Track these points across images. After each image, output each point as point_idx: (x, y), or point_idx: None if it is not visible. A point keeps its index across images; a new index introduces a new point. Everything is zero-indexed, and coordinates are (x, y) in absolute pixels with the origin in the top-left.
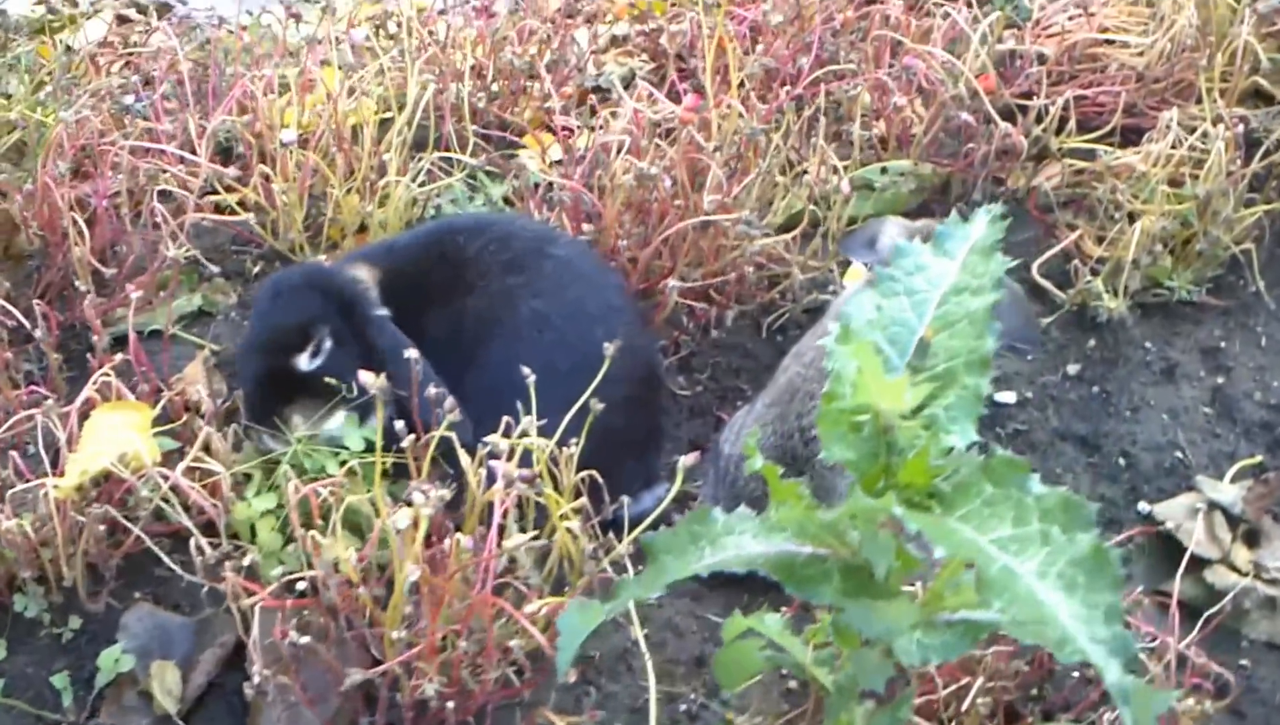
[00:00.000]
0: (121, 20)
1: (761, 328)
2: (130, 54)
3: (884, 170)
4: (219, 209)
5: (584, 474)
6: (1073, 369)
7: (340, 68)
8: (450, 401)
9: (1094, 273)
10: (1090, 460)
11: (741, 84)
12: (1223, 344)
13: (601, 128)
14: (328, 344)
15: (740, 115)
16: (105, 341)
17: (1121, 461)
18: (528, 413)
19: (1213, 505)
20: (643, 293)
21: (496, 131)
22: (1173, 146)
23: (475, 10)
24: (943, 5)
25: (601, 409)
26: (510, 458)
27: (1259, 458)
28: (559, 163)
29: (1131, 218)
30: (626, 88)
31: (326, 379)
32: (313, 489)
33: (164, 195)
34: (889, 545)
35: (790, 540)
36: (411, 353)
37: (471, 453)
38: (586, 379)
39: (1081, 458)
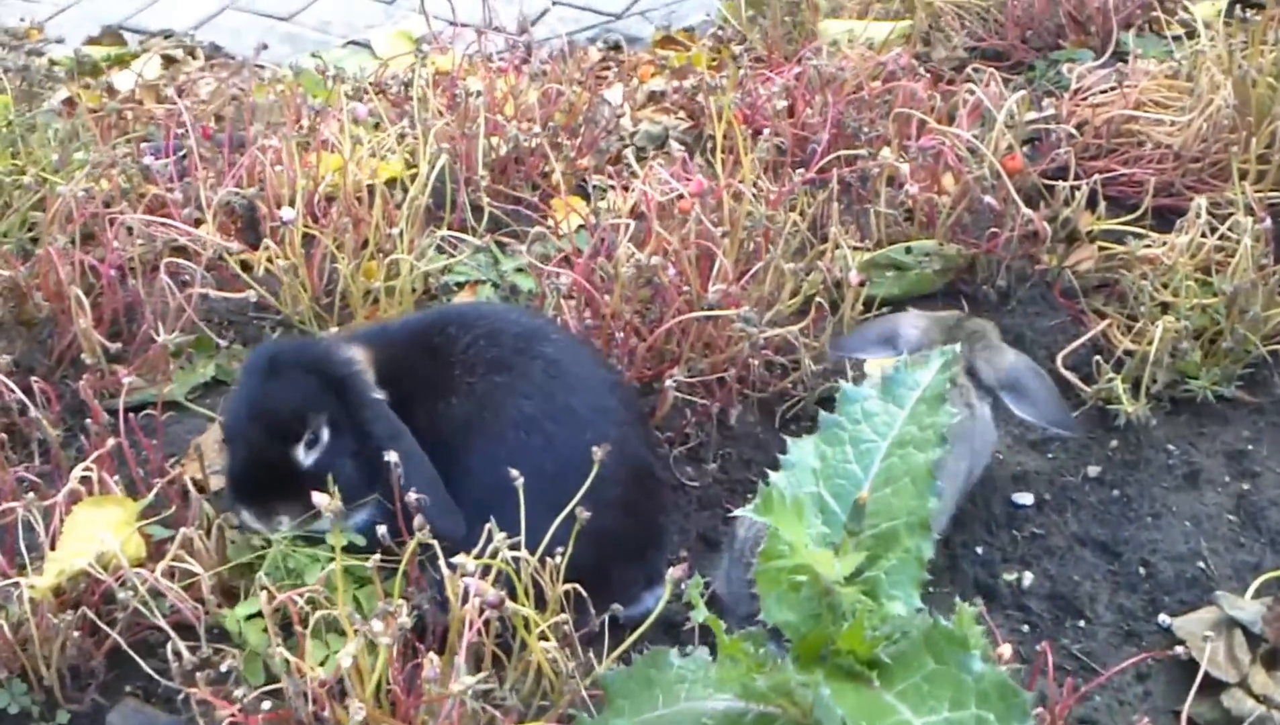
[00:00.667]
0: (168, 61)
1: (774, 417)
2: (162, 105)
3: (909, 250)
4: (245, 266)
5: (570, 586)
6: (1094, 470)
7: (353, 138)
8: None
9: (1117, 370)
10: (1110, 567)
11: (761, 163)
12: (1250, 447)
13: (610, 210)
14: (325, 433)
15: (750, 201)
16: (105, 420)
17: (1141, 570)
18: (514, 518)
19: (1233, 623)
20: (646, 381)
21: (518, 196)
22: (1203, 235)
23: (504, 66)
24: (969, 80)
25: (593, 512)
26: (488, 574)
27: None
28: (581, 227)
29: (1164, 307)
30: (661, 146)
31: (321, 470)
32: (290, 598)
33: (179, 253)
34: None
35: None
36: (407, 443)
37: (460, 550)
38: (576, 482)
39: (1101, 564)
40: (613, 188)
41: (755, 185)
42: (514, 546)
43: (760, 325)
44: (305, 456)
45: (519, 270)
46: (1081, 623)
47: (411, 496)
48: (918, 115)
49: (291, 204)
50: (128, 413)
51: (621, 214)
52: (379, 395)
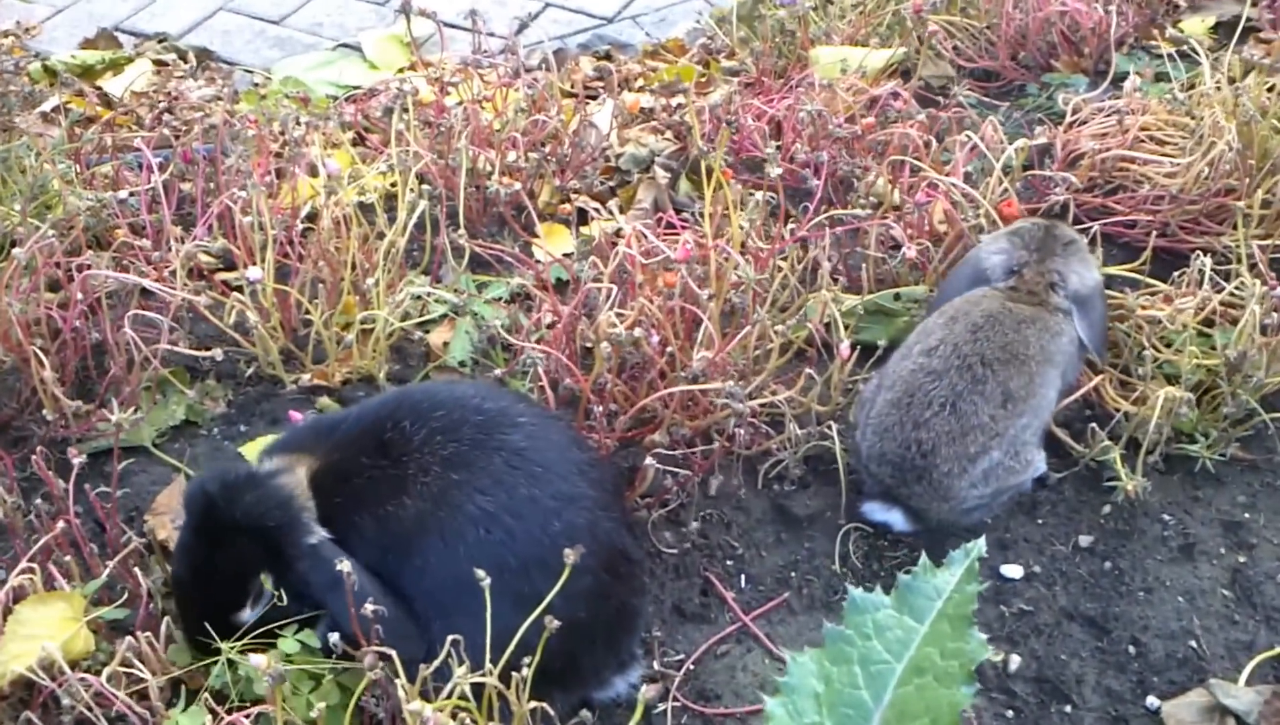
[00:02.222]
0: (159, 66)
1: (756, 477)
2: (153, 111)
3: (898, 296)
4: (229, 286)
5: (537, 705)
6: (1085, 540)
7: (326, 185)
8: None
9: (1114, 439)
10: (1098, 644)
11: (751, 223)
12: (1246, 515)
13: (597, 273)
14: (267, 590)
15: (738, 264)
16: (61, 489)
17: (1131, 649)
18: (474, 618)
19: (1226, 711)
20: (626, 441)
21: (501, 222)
22: (1203, 286)
23: (492, 84)
24: (959, 105)
25: (563, 603)
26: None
27: (1279, 650)
28: (567, 256)
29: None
30: (646, 170)
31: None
32: (238, 719)
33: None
34: None
35: None
36: (350, 584)
37: (416, 663)
38: (541, 575)
39: (1089, 642)
40: (596, 215)
41: (743, 245)
42: (475, 661)
43: (745, 399)
44: (250, 614)
45: (493, 300)
46: (1068, 708)
47: (368, 607)
48: (913, 161)
49: (263, 251)
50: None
51: (604, 273)
52: (315, 539)
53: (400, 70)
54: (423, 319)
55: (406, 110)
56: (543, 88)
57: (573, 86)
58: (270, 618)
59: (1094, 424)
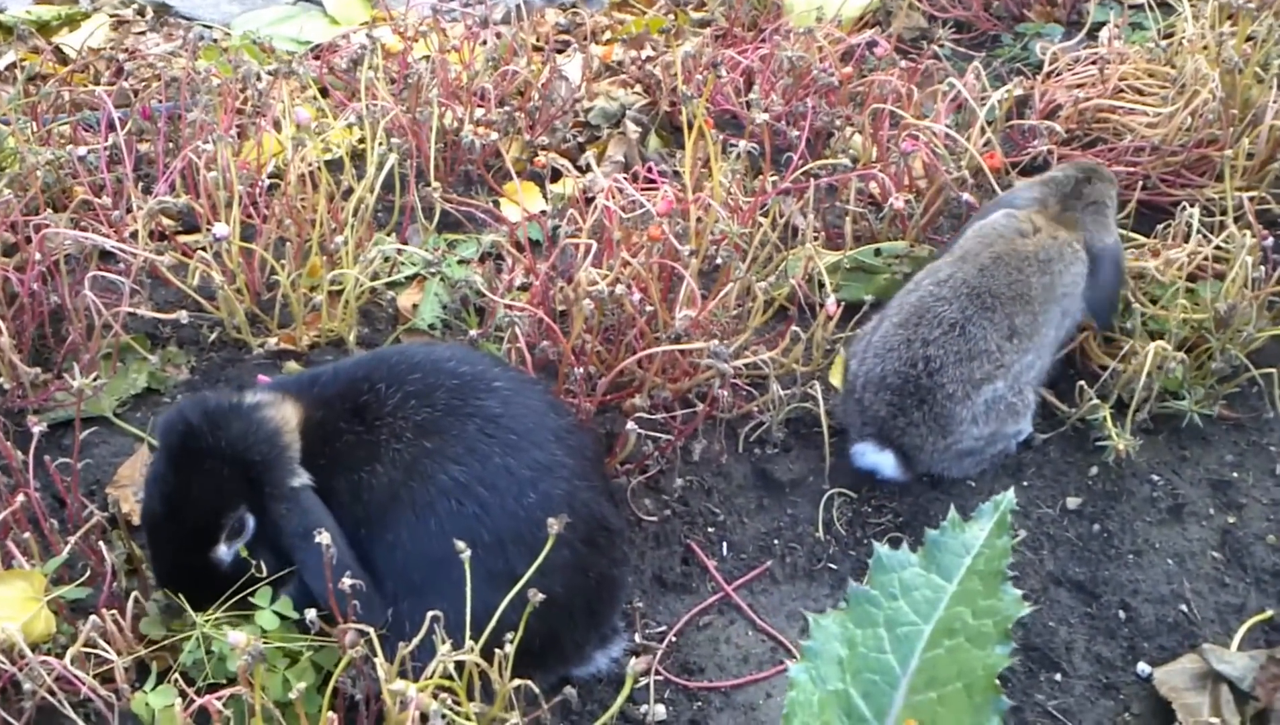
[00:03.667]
0: (116, 22)
1: (738, 441)
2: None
3: (878, 252)
4: (191, 249)
5: (520, 682)
6: (1072, 503)
7: (294, 136)
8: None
9: (1103, 398)
10: (1087, 610)
11: (733, 174)
12: (1235, 475)
13: (575, 229)
14: (249, 523)
15: (721, 217)
16: (19, 460)
17: (1121, 614)
18: (447, 595)
19: (1219, 678)
20: (605, 405)
21: (470, 180)
22: (1189, 241)
23: (460, 35)
24: (935, 57)
25: (541, 578)
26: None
27: (1270, 613)
28: (542, 214)
29: (1143, 322)
30: (616, 124)
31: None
32: (210, 700)
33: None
34: None
35: None
36: (323, 538)
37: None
38: (517, 550)
39: (1078, 607)
40: (567, 171)
41: (727, 196)
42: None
43: (730, 359)
44: (226, 553)
45: (462, 262)
46: (1058, 676)
47: (347, 582)
48: (894, 110)
49: (228, 209)
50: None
51: (582, 229)
52: (298, 482)
53: (363, 24)
54: (391, 279)
55: (372, 64)
56: (511, 39)
57: (539, 40)
58: (241, 575)
59: (1082, 382)
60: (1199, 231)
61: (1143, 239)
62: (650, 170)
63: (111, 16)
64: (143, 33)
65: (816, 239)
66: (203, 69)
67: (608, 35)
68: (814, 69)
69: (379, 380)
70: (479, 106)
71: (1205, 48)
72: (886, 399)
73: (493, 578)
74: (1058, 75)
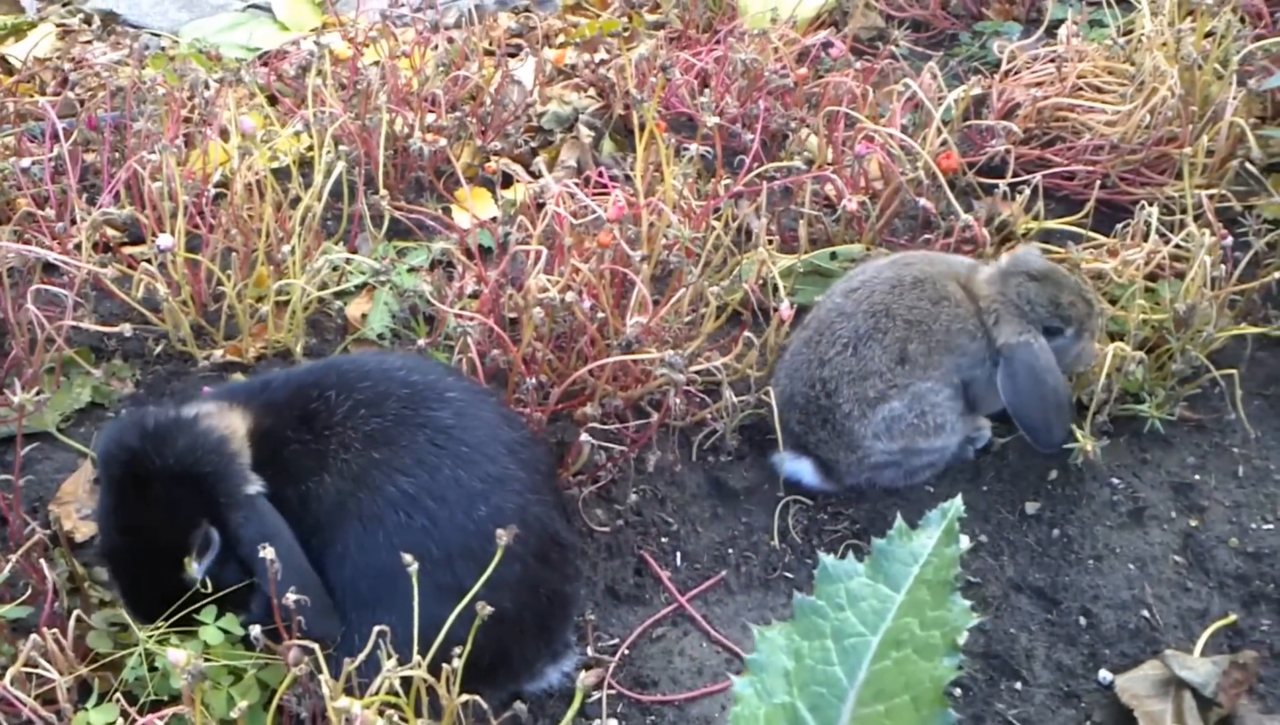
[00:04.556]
0: (64, 32)
1: (691, 449)
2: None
3: (834, 256)
4: (136, 260)
5: (469, 697)
6: (1031, 507)
7: (240, 145)
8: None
9: None
10: (1048, 617)
11: (685, 178)
12: (1196, 478)
13: (525, 236)
14: (215, 537)
15: (673, 221)
16: None
17: (1082, 620)
18: (395, 609)
19: (1182, 684)
20: (557, 414)
21: (420, 186)
22: (1148, 240)
23: (410, 41)
24: (891, 56)
25: (491, 594)
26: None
27: (1234, 617)
28: (493, 221)
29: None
30: (569, 129)
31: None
32: (152, 720)
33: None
34: None
35: None
36: (280, 545)
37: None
38: (466, 564)
39: (1039, 613)
40: (520, 177)
41: (675, 204)
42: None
43: (684, 368)
44: (198, 568)
45: (412, 270)
46: (1018, 684)
47: (291, 598)
48: (849, 113)
49: (173, 220)
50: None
51: (532, 236)
52: (253, 489)
53: (313, 30)
54: (340, 289)
55: (321, 70)
56: (462, 44)
57: (492, 44)
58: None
59: None
60: (1158, 231)
61: (1103, 238)
62: (602, 175)
63: (58, 26)
64: (89, 41)
65: (771, 242)
66: (149, 78)
67: (561, 39)
68: (766, 72)
69: (329, 388)
70: (430, 112)
71: (1164, 44)
72: (797, 417)
73: (441, 592)
74: (1016, 74)
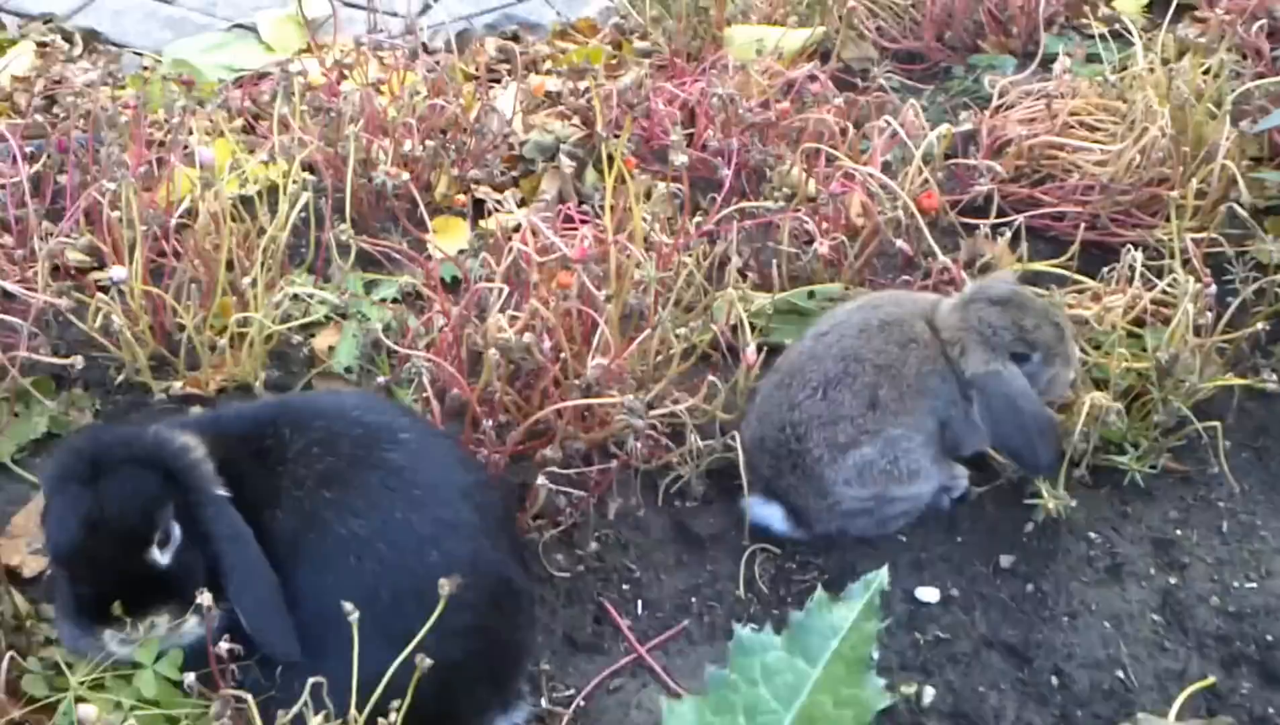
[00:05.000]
0: (42, 49)
1: (657, 493)
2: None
3: (811, 294)
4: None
5: None
6: (1006, 560)
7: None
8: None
9: None
10: (1019, 675)
11: (655, 217)
12: (1178, 533)
13: (489, 272)
14: (176, 529)
15: (641, 260)
16: None
17: (1054, 679)
18: (342, 656)
19: None
20: (517, 455)
21: (394, 217)
22: (1134, 284)
23: (390, 65)
24: (880, 90)
25: (441, 643)
26: None
27: (1212, 679)
28: (460, 253)
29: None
30: (551, 158)
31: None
32: None
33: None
34: None
35: None
36: (251, 548)
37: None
38: (416, 612)
39: (1010, 672)
40: (497, 207)
41: (646, 240)
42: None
43: (645, 413)
44: (162, 556)
45: (379, 302)
46: None
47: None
48: (829, 150)
49: (132, 252)
50: None
51: (496, 272)
52: (221, 492)
53: (299, 52)
54: (306, 321)
55: (292, 95)
56: (443, 71)
57: (476, 69)
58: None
59: None
60: (1142, 275)
61: (1089, 282)
62: (572, 209)
63: (38, 44)
64: (69, 60)
65: (745, 279)
66: (111, 102)
67: (548, 65)
68: (740, 108)
69: (283, 425)
70: (406, 139)
71: (1157, 83)
72: (767, 461)
73: (390, 640)
74: (1008, 109)
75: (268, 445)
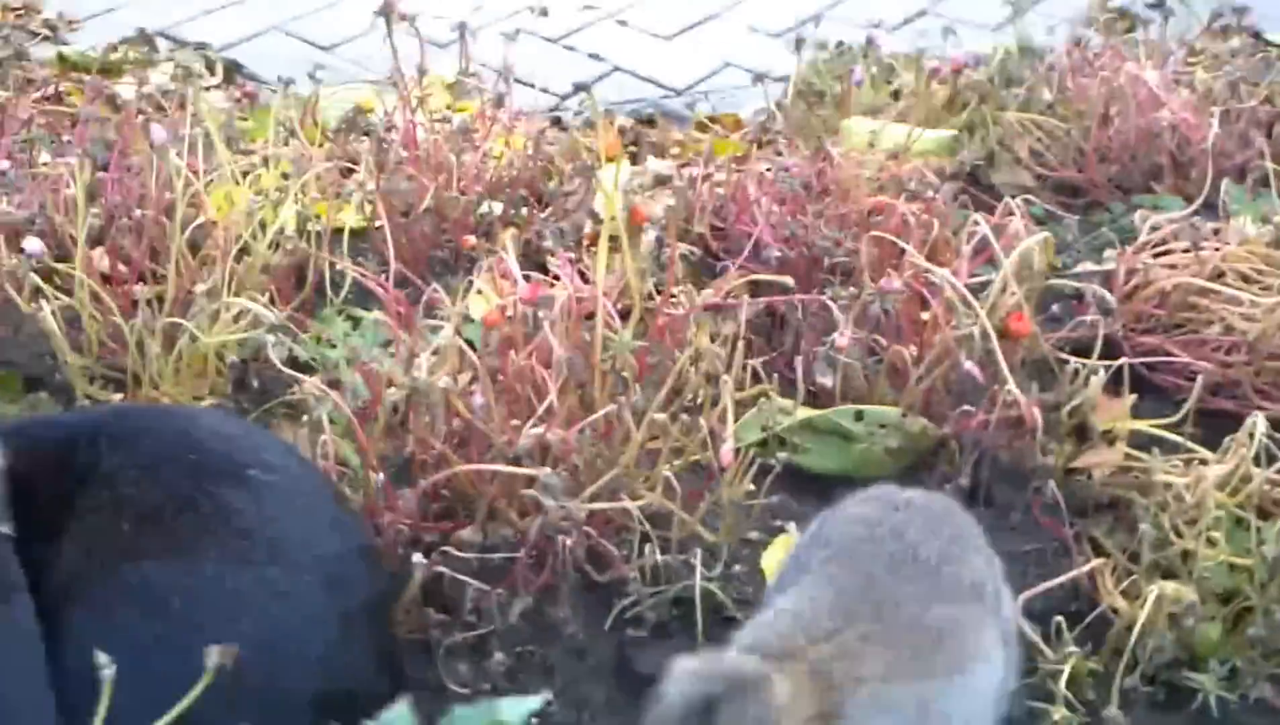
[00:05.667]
0: (185, 72)
1: (608, 612)
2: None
3: (859, 415)
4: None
5: None
6: None
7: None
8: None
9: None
10: None
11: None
12: None
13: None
14: None
15: (610, 317)
16: None
17: None
18: None
19: None
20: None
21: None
22: (1255, 461)
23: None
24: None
25: None
26: None
27: None
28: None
29: (1185, 554)
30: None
31: None
32: None
33: None
34: None
35: None
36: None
37: None
38: (217, 704)
39: None
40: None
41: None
42: None
43: (574, 497)
44: None
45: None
46: None
47: None
48: (901, 244)
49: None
50: None
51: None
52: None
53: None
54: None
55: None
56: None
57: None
58: None
59: (1060, 619)
60: (1266, 449)
61: (1203, 451)
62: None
63: (179, 67)
64: (207, 88)
65: (771, 379)
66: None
67: (676, 150)
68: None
69: (104, 439)
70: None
71: None
72: None
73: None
74: (1158, 250)
75: (78, 461)
